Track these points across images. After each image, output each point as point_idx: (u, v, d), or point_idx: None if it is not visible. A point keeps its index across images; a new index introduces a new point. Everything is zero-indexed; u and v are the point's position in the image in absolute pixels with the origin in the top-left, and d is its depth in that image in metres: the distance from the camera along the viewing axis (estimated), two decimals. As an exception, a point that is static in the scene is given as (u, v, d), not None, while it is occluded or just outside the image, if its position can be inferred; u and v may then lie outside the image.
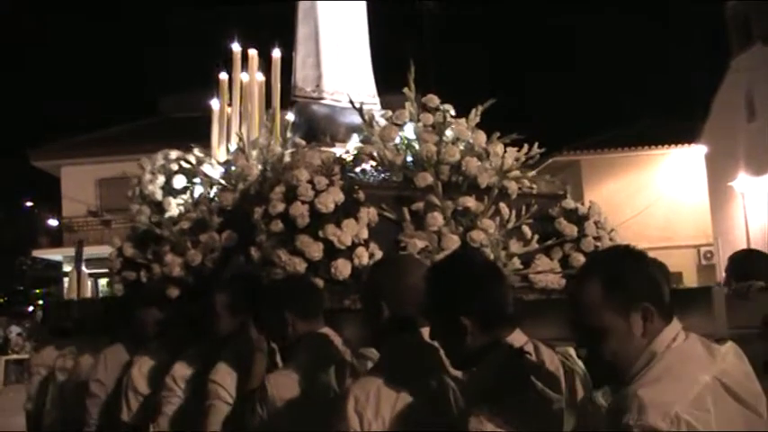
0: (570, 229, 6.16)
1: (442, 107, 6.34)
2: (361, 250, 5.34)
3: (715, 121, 29.92)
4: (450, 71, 36.60)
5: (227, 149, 7.10)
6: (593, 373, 2.84)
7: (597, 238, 6.21)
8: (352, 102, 6.25)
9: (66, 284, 27.06)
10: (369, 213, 5.44)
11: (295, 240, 5.29)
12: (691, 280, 29.93)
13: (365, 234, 5.40)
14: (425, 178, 5.67)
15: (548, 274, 5.85)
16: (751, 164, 27.62)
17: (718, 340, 2.81)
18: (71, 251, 28.39)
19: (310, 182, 5.39)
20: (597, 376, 2.81)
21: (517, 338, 3.10)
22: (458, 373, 3.18)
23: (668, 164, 31.80)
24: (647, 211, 30.59)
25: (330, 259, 5.28)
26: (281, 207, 5.37)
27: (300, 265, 5.22)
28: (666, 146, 31.45)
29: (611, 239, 6.37)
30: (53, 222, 31.87)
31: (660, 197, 31.06)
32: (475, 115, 6.32)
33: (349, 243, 5.30)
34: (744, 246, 27.19)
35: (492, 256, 5.60)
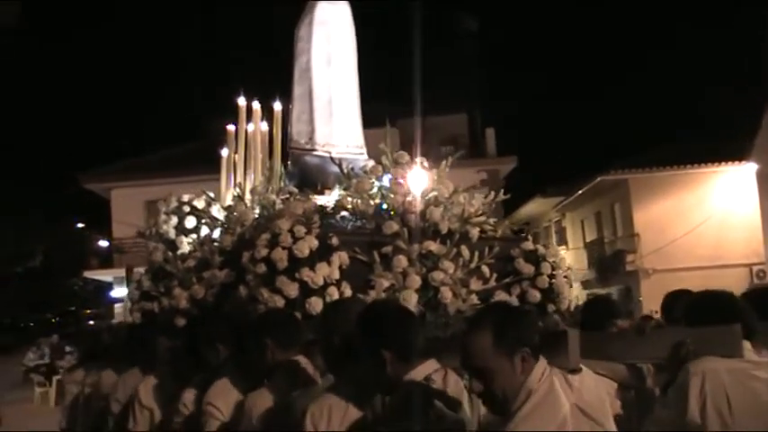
0: (527, 269, 7.17)
1: (418, 160, 7.41)
2: (332, 289, 6.43)
3: (766, 138, 30.17)
4: (497, 90, 37.42)
5: (233, 194, 8.22)
6: (487, 406, 3.78)
7: (552, 276, 7.17)
8: (332, 158, 7.36)
9: (117, 308, 28.62)
10: (340, 257, 6.53)
11: (275, 281, 6.39)
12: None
13: (336, 275, 6.48)
14: (392, 226, 6.74)
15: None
16: None
17: (571, 371, 3.80)
18: (121, 272, 29.94)
19: (290, 231, 6.49)
20: (491, 408, 3.71)
21: (429, 366, 4.07)
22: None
23: (719, 182, 31.92)
24: (697, 230, 31.04)
25: (305, 297, 6.37)
26: (264, 252, 6.48)
27: (279, 302, 6.31)
28: (717, 164, 31.62)
29: (565, 277, 7.31)
30: (103, 244, 33.37)
31: (711, 216, 31.32)
32: (445, 166, 7.38)
33: (321, 283, 6.40)
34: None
35: (452, 293, 6.65)
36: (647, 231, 31.57)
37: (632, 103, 52.48)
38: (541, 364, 3.57)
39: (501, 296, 6.94)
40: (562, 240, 39.21)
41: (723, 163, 31.66)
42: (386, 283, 6.57)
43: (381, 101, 31.00)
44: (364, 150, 8.30)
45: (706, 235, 31.04)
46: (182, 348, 6.65)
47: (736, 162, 31.40)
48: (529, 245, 7.40)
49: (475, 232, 7.07)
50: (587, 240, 36.20)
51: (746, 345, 4.37)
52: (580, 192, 33.91)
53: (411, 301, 6.45)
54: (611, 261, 33.11)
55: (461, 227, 7.00)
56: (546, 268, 7.18)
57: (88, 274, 34.92)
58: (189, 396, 5.64)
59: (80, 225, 37.96)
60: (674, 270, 29.79)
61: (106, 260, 32.84)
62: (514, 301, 6.98)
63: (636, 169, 32.01)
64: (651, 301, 27.90)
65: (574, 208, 37.03)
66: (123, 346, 7.59)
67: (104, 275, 33.21)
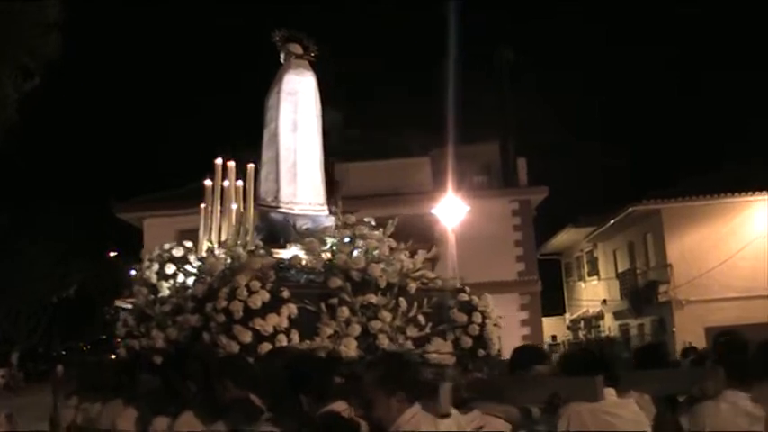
0: (461, 317, 8.39)
1: (367, 220, 8.71)
2: (281, 336, 7.70)
3: None
4: (529, 120, 38.38)
5: (207, 246, 9.56)
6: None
7: (482, 325, 8.38)
8: (286, 218, 8.67)
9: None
10: (289, 308, 7.81)
11: (232, 329, 7.67)
12: (778, 331, 30.77)
13: (285, 324, 7.76)
14: (335, 281, 8.02)
15: (441, 352, 8.08)
16: None
17: (443, 415, 5.00)
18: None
19: (247, 285, 7.78)
20: None
21: (339, 406, 5.29)
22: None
23: (753, 211, 32.41)
24: (731, 261, 31.58)
25: (258, 343, 7.65)
26: (224, 303, 7.78)
27: (235, 348, 7.59)
28: (751, 193, 32.11)
29: (495, 325, 8.51)
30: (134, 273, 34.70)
31: (745, 246, 31.80)
32: (390, 226, 8.66)
33: (271, 331, 7.67)
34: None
35: (389, 340, 7.90)
36: (681, 262, 32.11)
37: (663, 133, 53.02)
38: (414, 409, 4.74)
39: (437, 342, 8.15)
40: (594, 270, 39.96)
41: (756, 192, 32.05)
42: (329, 331, 7.83)
43: (415, 131, 32.39)
44: (325, 207, 9.59)
45: (740, 266, 31.42)
46: (159, 383, 7.84)
47: (771, 191, 31.80)
48: (464, 296, 8.62)
49: (413, 285, 8.31)
50: (619, 271, 36.86)
51: (610, 390, 5.53)
52: (612, 222, 34.68)
53: (351, 346, 7.70)
54: (643, 291, 33.78)
55: (401, 280, 8.24)
56: (477, 317, 8.40)
57: (120, 303, 36.25)
58: (160, 423, 6.83)
59: (113, 254, 39.63)
60: (708, 301, 30.55)
61: (137, 289, 34.11)
62: (449, 346, 8.19)
63: (668, 199, 32.53)
64: (685, 333, 28.72)
65: (606, 238, 37.76)
66: (109, 378, 8.72)
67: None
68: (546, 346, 30.75)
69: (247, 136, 10.35)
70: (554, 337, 37.17)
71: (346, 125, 32.39)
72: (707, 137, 47.08)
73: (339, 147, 31.36)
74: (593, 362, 5.72)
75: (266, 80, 10.12)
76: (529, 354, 6.96)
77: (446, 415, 4.99)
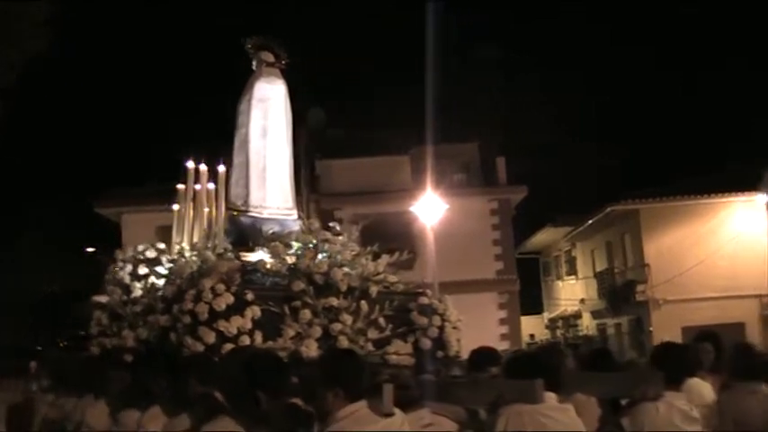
0: (421, 320, 8.80)
1: (333, 225, 9.11)
2: (244, 337, 8.09)
3: None
4: (509, 119, 38.77)
5: (177, 249, 9.94)
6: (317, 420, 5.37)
7: (441, 327, 8.80)
8: (253, 223, 9.06)
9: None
10: (252, 311, 8.19)
11: (198, 330, 8.06)
12: (753, 331, 31.34)
13: (249, 325, 8.14)
14: (299, 285, 8.42)
15: (400, 353, 8.49)
16: None
17: (386, 414, 5.39)
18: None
19: (212, 288, 8.16)
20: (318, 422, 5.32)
21: (294, 402, 5.66)
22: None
23: (730, 212, 32.85)
24: (709, 261, 32.06)
25: (222, 343, 8.03)
26: (190, 305, 8.16)
27: (200, 348, 7.97)
28: (728, 194, 32.62)
29: (454, 328, 8.92)
30: (112, 269, 34.88)
31: (722, 247, 32.26)
32: (356, 232, 9.06)
33: (235, 332, 8.06)
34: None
35: (349, 341, 8.29)
36: (658, 262, 32.55)
37: (643, 134, 53.41)
38: (355, 406, 5.14)
39: (397, 344, 8.56)
40: (572, 270, 40.45)
41: (734, 193, 32.52)
42: (292, 332, 8.23)
43: (397, 129, 32.69)
44: (294, 211, 9.99)
45: (717, 266, 31.86)
46: (129, 380, 8.16)
47: (748, 192, 32.30)
48: (424, 299, 9.03)
49: (375, 289, 8.71)
50: (598, 270, 37.33)
51: (551, 394, 5.93)
52: (590, 222, 35.16)
53: (312, 347, 8.10)
54: (621, 291, 34.23)
55: (362, 284, 8.65)
56: (437, 320, 8.81)
57: (98, 299, 36.43)
58: (129, 417, 7.17)
59: (90, 249, 39.84)
60: (685, 301, 31.05)
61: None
62: (408, 348, 8.61)
63: (646, 200, 32.96)
64: (662, 332, 29.16)
65: (584, 238, 38.24)
66: (82, 375, 9.05)
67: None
68: (524, 345, 31.10)
69: (222, 139, 10.71)
70: (532, 336, 37.61)
71: (331, 123, 32.74)
72: (687, 138, 47.45)
73: (322, 144, 31.78)
74: (535, 366, 6.10)
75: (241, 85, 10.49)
76: (484, 356, 7.34)
77: (389, 414, 5.34)
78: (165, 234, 10.78)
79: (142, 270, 9.98)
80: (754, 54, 56.82)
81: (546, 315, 42.38)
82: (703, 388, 6.43)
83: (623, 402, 6.30)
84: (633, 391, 6.22)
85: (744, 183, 31.89)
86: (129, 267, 10.07)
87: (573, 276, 40.27)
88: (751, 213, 32.68)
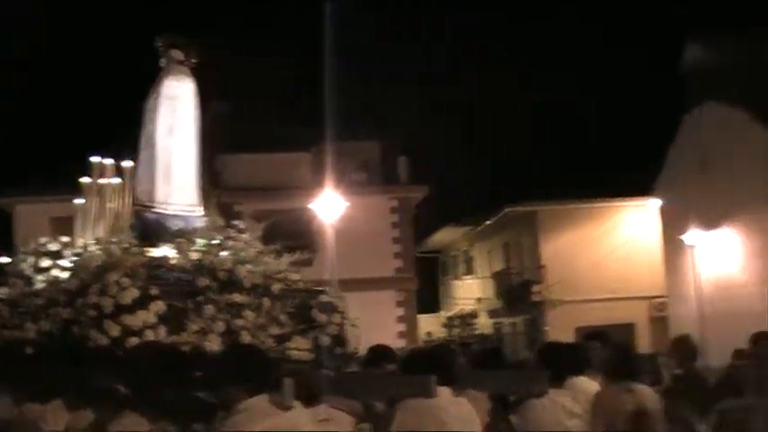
0: (321, 318, 9.16)
1: (237, 223, 9.40)
2: (149, 332, 8.33)
3: (669, 175, 32.01)
4: (411, 118, 39.21)
5: (82, 242, 10.10)
6: None
7: (339, 325, 9.18)
8: (158, 219, 9.30)
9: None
10: (157, 305, 8.44)
11: (102, 323, 8.27)
12: (643, 331, 32.50)
13: (153, 320, 8.38)
14: (203, 281, 8.70)
15: (300, 349, 8.84)
16: (702, 218, 29.84)
17: (286, 407, 5.69)
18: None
19: (117, 282, 8.38)
20: None
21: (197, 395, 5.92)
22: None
23: (624, 216, 34.10)
24: (602, 263, 33.07)
25: (126, 337, 8.25)
26: (95, 299, 8.36)
27: (104, 341, 8.18)
28: (622, 198, 33.70)
29: (353, 325, 9.31)
30: (5, 260, 34.27)
31: (615, 249, 33.29)
32: (259, 231, 9.38)
33: (140, 326, 8.29)
34: (693, 298, 29.77)
35: (251, 336, 8.60)
36: (554, 263, 33.36)
37: (545, 135, 54.41)
38: (255, 399, 5.40)
39: (297, 340, 8.91)
40: (470, 269, 41.26)
41: (628, 198, 33.59)
42: (195, 327, 8.51)
43: (301, 126, 32.83)
44: (199, 209, 10.24)
45: (610, 268, 32.82)
46: (30, 373, 8.28)
47: (641, 197, 33.39)
48: (324, 297, 9.40)
49: (277, 286, 9.05)
50: (495, 270, 38.13)
51: (445, 390, 6.30)
52: (488, 222, 35.94)
53: (215, 342, 8.39)
54: (517, 291, 35.05)
55: (265, 282, 8.97)
56: (336, 318, 9.19)
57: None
58: (29, 410, 7.25)
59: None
60: (580, 302, 31.90)
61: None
62: (308, 344, 8.96)
63: (543, 202, 33.85)
64: (557, 332, 29.97)
65: (483, 238, 39.03)
66: None
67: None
68: (421, 343, 31.60)
69: (130, 136, 10.88)
70: (429, 334, 38.16)
71: (235, 117, 32.72)
72: (583, 142, 48.47)
73: (225, 139, 31.73)
74: (430, 362, 6.49)
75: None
76: (381, 353, 7.71)
77: (288, 407, 5.66)
78: (59, 226, 10.88)
79: (44, 263, 10.09)
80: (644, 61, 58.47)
81: (443, 314, 43.04)
82: (590, 386, 6.79)
83: (512, 399, 6.74)
84: (520, 389, 6.66)
85: (637, 188, 32.84)
86: (32, 259, 10.17)
87: (471, 276, 41.03)
88: (643, 218, 33.72)
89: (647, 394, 6.63)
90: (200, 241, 9.30)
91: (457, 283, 42.71)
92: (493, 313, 37.95)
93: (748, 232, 27.62)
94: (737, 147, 27.25)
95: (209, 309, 8.60)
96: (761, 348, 7.16)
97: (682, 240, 30.36)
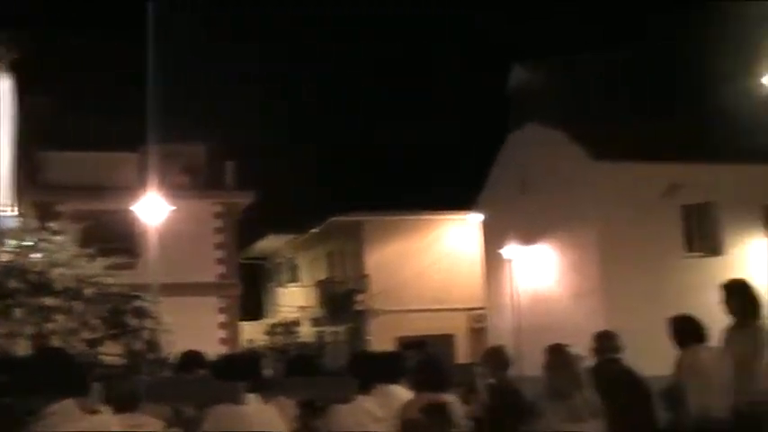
0: (135, 323, 9.17)
1: (52, 225, 9.28)
2: (-51, 335, 8.15)
3: (492, 191, 32.96)
4: (241, 122, 39.11)
5: None
6: None
7: (152, 330, 9.20)
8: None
9: None
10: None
11: None
12: (462, 342, 33.37)
13: (-45, 322, 8.23)
14: (12, 283, 8.57)
15: (112, 354, 8.82)
16: (521, 234, 30.86)
17: (92, 411, 5.70)
18: None
19: None
20: None
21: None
22: None
23: (448, 229, 35.05)
24: (425, 274, 33.83)
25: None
26: None
27: None
28: (447, 212, 34.55)
29: (165, 330, 9.35)
30: None
31: (438, 261, 34.11)
32: (79, 232, 9.28)
33: (-59, 328, 8.12)
34: (510, 310, 30.73)
35: (62, 341, 8.52)
36: (378, 273, 33.92)
37: (373, 147, 55.09)
38: (62, 403, 5.45)
39: (109, 345, 8.88)
40: (294, 277, 41.42)
41: (451, 212, 34.50)
42: (3, 331, 8.38)
43: (129, 125, 32.02)
44: (12, 208, 10.05)
45: (432, 279, 33.70)
46: None
47: (463, 212, 34.20)
48: (138, 302, 9.39)
49: (90, 290, 8.99)
50: (318, 279, 38.42)
51: (253, 396, 6.44)
52: (312, 231, 36.20)
53: (23, 346, 8.28)
54: (341, 300, 35.40)
55: (78, 285, 8.90)
56: (150, 323, 9.21)
57: None
58: None
59: None
60: (402, 311, 32.59)
61: None
62: (120, 349, 8.94)
63: (368, 212, 34.39)
64: (379, 341, 30.47)
65: (308, 246, 39.28)
66: None
67: None
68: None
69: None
70: (251, 341, 38.03)
71: (58, 112, 31.77)
72: (412, 155, 49.26)
73: (48, 135, 30.71)
74: (239, 369, 6.65)
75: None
76: (192, 358, 7.82)
77: (95, 411, 5.70)
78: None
79: None
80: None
81: (267, 321, 42.99)
82: (403, 393, 7.08)
83: (319, 405, 6.96)
84: (328, 395, 6.90)
85: (460, 203, 33.71)
86: None
87: (295, 284, 41.17)
88: (465, 232, 34.65)
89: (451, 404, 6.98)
90: (12, 242, 9.13)
91: (281, 290, 42.79)
92: (316, 321, 38.20)
93: (564, 248, 28.63)
94: (556, 166, 28.18)
95: (19, 312, 8.48)
96: (551, 359, 7.51)
97: (501, 254, 31.23)
